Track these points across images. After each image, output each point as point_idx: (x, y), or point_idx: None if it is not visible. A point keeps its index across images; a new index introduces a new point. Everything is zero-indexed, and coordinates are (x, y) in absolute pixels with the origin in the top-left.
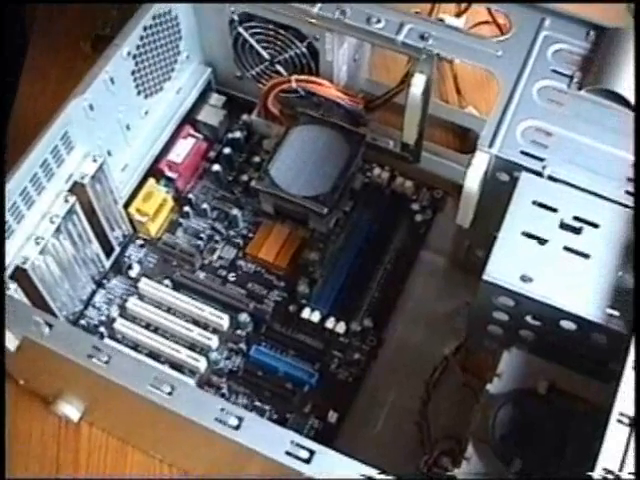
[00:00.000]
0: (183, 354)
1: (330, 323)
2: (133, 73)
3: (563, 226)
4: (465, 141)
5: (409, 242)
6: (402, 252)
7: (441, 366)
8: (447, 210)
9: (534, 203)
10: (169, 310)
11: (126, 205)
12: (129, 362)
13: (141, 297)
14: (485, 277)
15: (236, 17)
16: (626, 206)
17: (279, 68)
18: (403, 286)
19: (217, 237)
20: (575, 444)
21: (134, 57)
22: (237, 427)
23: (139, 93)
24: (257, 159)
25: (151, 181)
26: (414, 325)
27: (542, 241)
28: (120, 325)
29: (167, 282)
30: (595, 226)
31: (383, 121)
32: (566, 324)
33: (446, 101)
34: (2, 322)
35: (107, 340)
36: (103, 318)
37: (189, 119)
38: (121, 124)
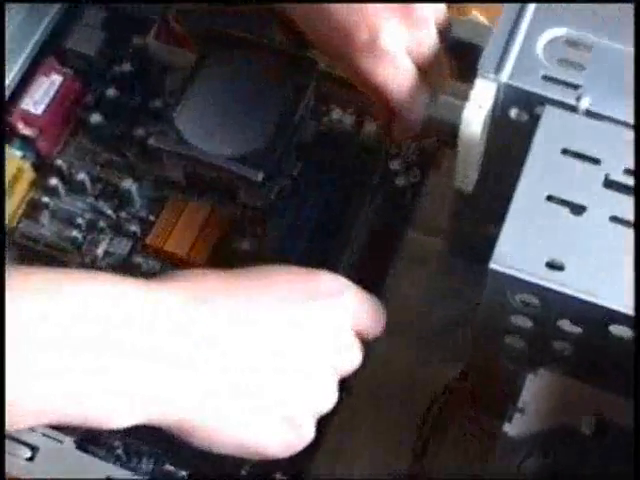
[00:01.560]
0: None
1: None
2: None
3: (609, 184)
4: (467, 64)
5: (388, 218)
6: (378, 233)
7: (441, 399)
8: (443, 168)
9: (565, 152)
10: None
11: None
12: None
13: None
14: (493, 265)
15: None
16: None
17: None
18: (381, 283)
19: (102, 223)
20: None
21: None
22: None
23: None
24: (157, 103)
25: None
26: (399, 339)
27: (578, 208)
28: None
29: None
30: None
31: None
32: (617, 330)
33: None
34: (2, 322)
35: None
36: None
37: (52, 47)
38: None
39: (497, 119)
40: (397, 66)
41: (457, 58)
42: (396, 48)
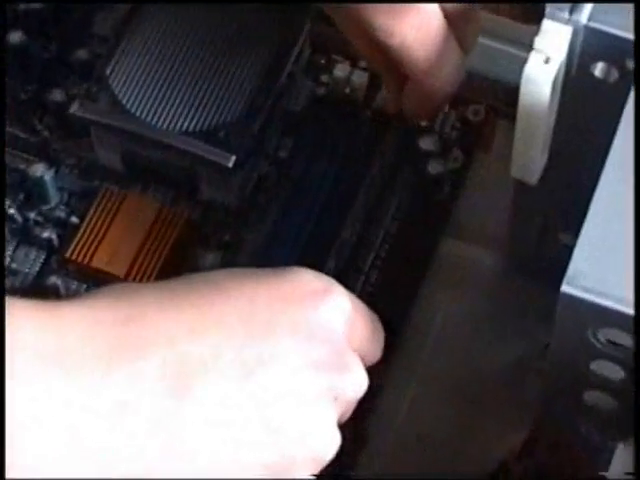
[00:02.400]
0: None
1: None
2: None
3: None
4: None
5: (416, 220)
6: (402, 242)
7: None
8: (495, 149)
9: None
10: None
11: None
12: None
13: None
14: (567, 288)
15: None
16: None
17: None
18: (406, 313)
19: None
20: None
21: None
22: None
23: None
24: (82, 55)
25: None
26: (434, 392)
27: None
28: None
29: None
30: None
31: None
32: None
33: None
34: (2, 313)
35: None
36: None
37: None
38: None
39: (574, 78)
40: (423, 21)
41: None
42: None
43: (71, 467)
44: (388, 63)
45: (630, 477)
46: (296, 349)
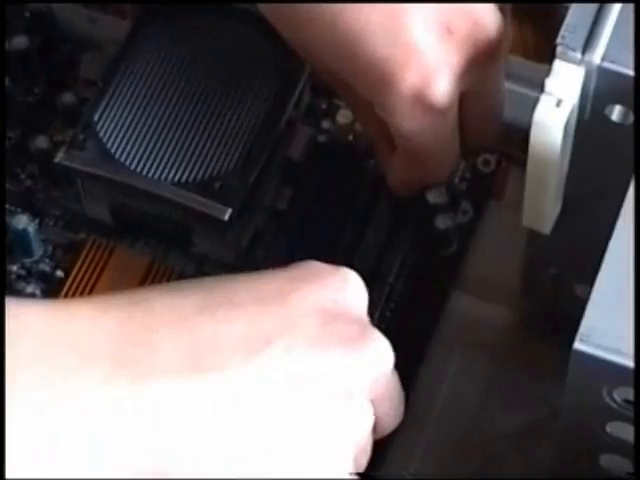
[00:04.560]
0: None
1: None
2: None
3: None
4: (542, 32)
5: (423, 276)
6: (408, 300)
7: None
8: (509, 196)
9: None
10: None
11: None
12: None
13: None
14: (580, 345)
15: None
16: None
17: None
18: (413, 375)
19: None
20: None
21: None
22: None
23: None
24: (69, 99)
25: None
26: (445, 458)
27: None
28: None
29: None
30: None
31: None
32: None
33: None
34: (2, 312)
35: None
36: None
37: None
38: None
39: (588, 122)
40: (443, 125)
41: (527, 23)
42: (452, 100)
43: (83, 460)
44: (382, 129)
45: (630, 477)
46: (315, 323)
